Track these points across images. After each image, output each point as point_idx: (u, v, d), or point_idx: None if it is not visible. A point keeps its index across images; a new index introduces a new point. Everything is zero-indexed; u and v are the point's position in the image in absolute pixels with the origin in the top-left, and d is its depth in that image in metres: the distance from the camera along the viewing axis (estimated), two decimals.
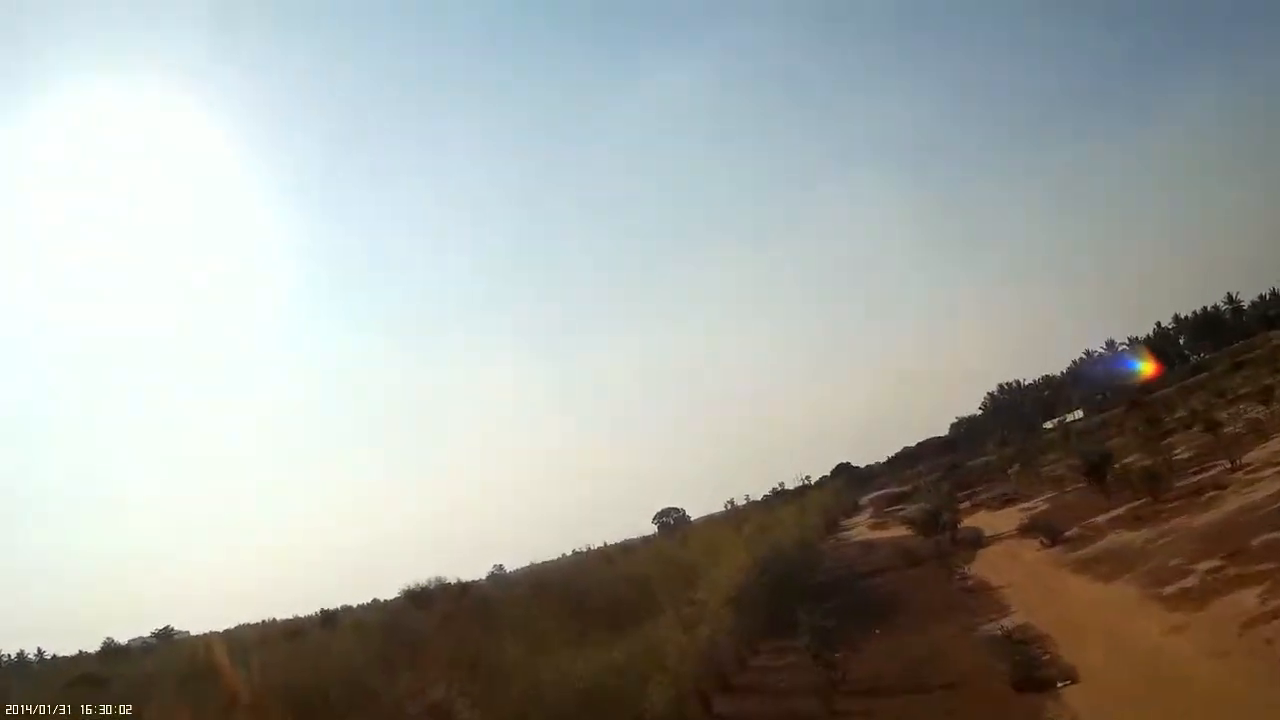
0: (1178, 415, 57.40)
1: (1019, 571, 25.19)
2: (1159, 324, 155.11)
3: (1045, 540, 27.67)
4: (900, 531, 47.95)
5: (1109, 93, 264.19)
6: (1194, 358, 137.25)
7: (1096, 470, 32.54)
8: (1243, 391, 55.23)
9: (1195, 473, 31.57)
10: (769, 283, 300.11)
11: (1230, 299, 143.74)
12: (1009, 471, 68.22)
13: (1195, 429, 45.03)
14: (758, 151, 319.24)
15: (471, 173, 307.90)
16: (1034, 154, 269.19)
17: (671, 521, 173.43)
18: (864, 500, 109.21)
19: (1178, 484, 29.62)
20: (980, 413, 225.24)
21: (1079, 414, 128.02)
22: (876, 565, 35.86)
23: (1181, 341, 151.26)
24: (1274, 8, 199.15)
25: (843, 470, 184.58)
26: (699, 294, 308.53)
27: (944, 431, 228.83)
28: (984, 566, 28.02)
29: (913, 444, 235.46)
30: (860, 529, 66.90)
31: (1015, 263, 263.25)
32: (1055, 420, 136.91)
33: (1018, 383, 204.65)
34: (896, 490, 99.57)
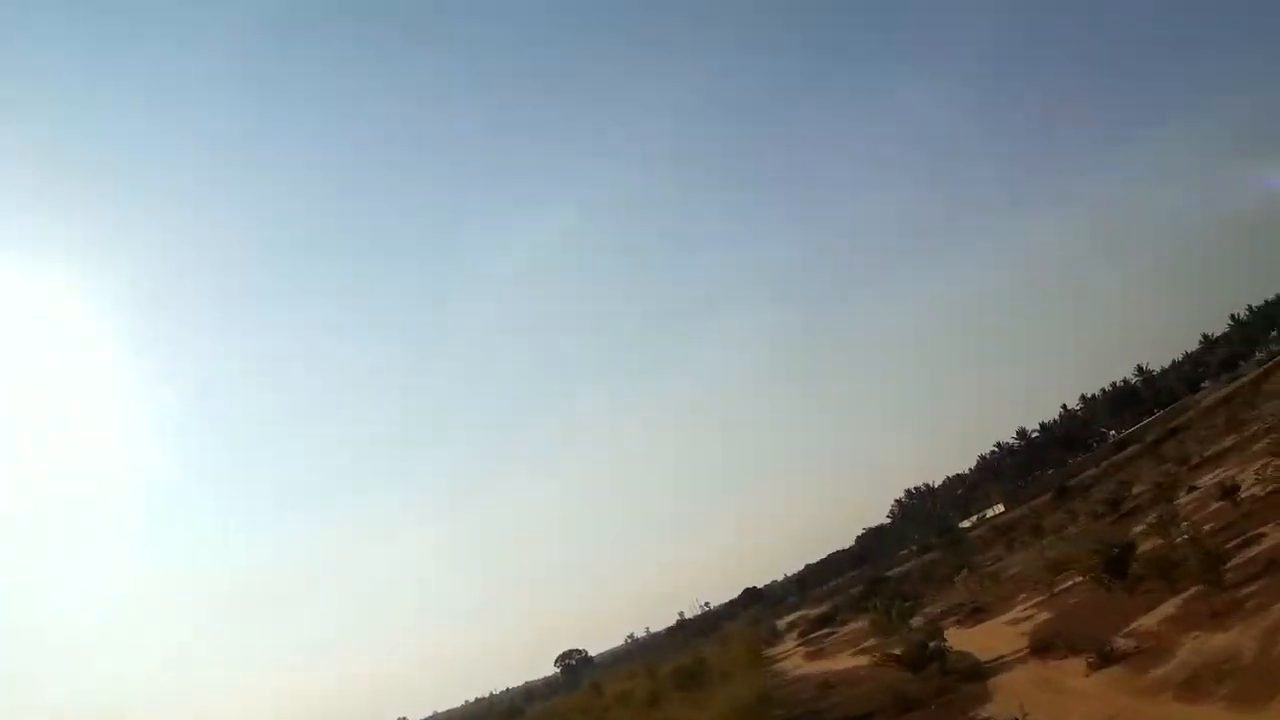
0: (1138, 491, 51.86)
1: (1084, 710, 17.46)
2: (1065, 406, 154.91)
3: (1092, 660, 20.13)
4: (851, 661, 40.41)
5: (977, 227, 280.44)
6: (1113, 434, 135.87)
7: (1118, 563, 25.42)
8: (1210, 453, 50.22)
9: (1239, 546, 24.96)
10: (660, 412, 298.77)
11: (1140, 370, 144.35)
12: (956, 579, 61.10)
13: (1178, 499, 39.17)
14: (629, 298, 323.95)
15: (352, 360, 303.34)
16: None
17: (574, 663, 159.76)
18: (782, 625, 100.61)
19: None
20: (889, 520, 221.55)
21: (999, 508, 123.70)
22: (854, 712, 27.45)
23: (1088, 421, 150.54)
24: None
25: (752, 596, 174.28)
26: (589, 437, 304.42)
27: (848, 543, 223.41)
28: (1015, 704, 20.23)
29: (816, 559, 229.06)
30: (794, 659, 58.42)
31: (911, 369, 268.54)
32: (975, 517, 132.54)
33: (928, 485, 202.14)
34: (817, 611, 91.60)
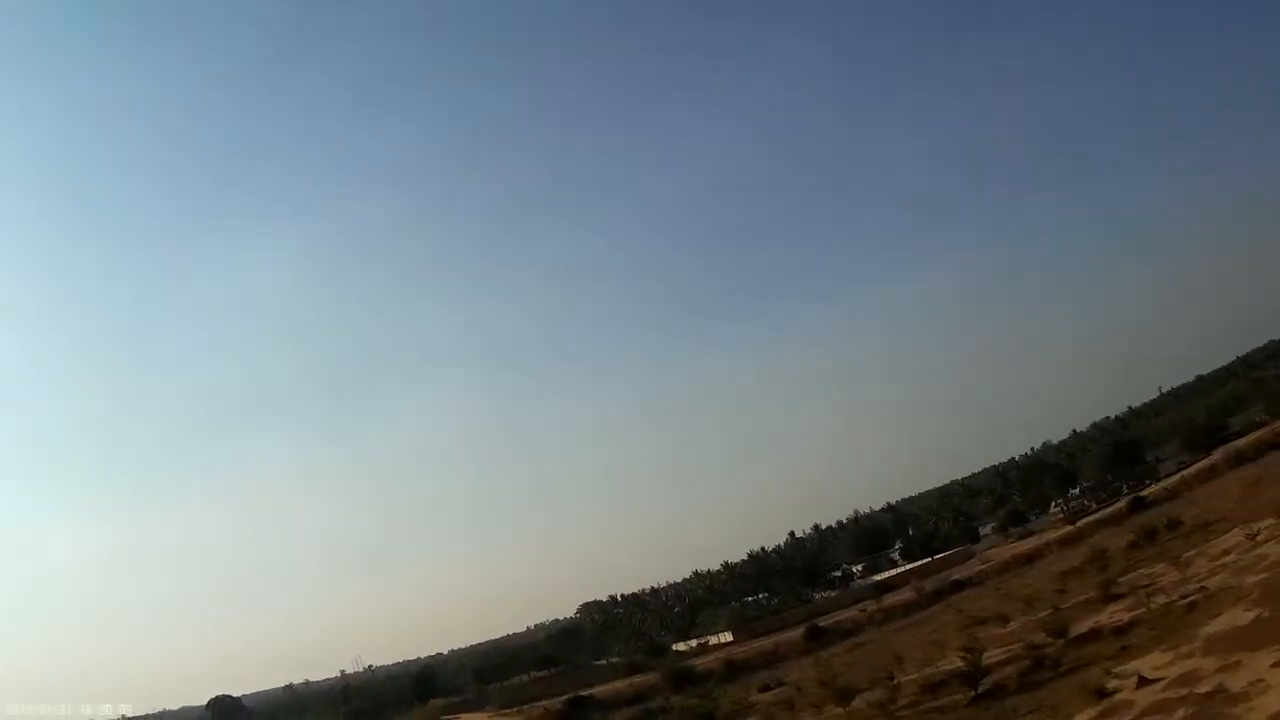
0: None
1: None
2: (794, 534, 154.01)
3: None
4: None
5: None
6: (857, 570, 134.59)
7: None
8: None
9: None
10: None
11: (890, 507, 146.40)
12: None
13: None
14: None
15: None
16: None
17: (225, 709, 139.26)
18: None
19: None
20: (582, 621, 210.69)
21: (727, 636, 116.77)
22: None
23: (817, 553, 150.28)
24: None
25: (423, 681, 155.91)
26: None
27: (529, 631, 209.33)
28: None
29: (495, 638, 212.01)
30: None
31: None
32: (695, 642, 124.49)
33: (637, 595, 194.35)
34: None
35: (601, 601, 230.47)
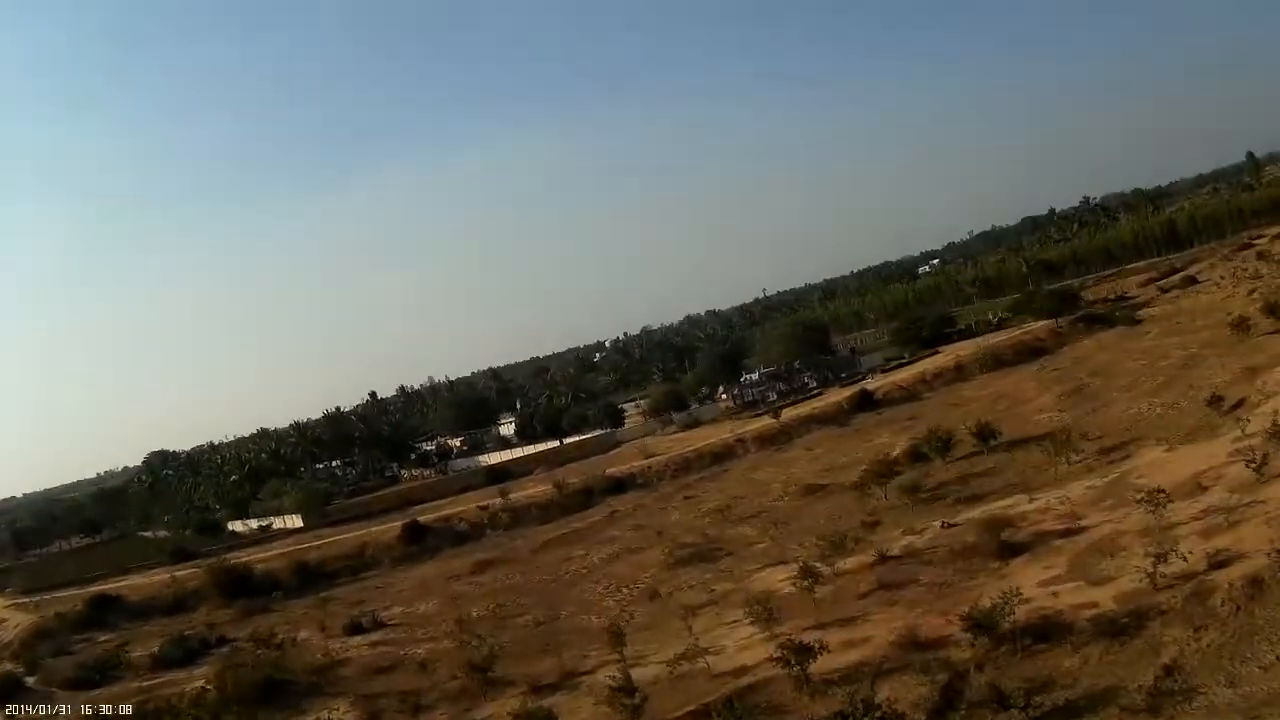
0: None
1: None
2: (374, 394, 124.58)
3: None
4: None
5: None
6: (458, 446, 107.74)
7: None
8: None
9: None
10: None
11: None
12: None
13: None
14: None
15: None
16: None
17: None
18: None
19: None
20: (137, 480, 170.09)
21: (299, 521, 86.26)
22: None
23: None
24: None
25: None
26: None
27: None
28: None
29: None
30: None
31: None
32: (256, 524, 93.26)
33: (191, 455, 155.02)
34: None
35: (169, 453, 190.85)
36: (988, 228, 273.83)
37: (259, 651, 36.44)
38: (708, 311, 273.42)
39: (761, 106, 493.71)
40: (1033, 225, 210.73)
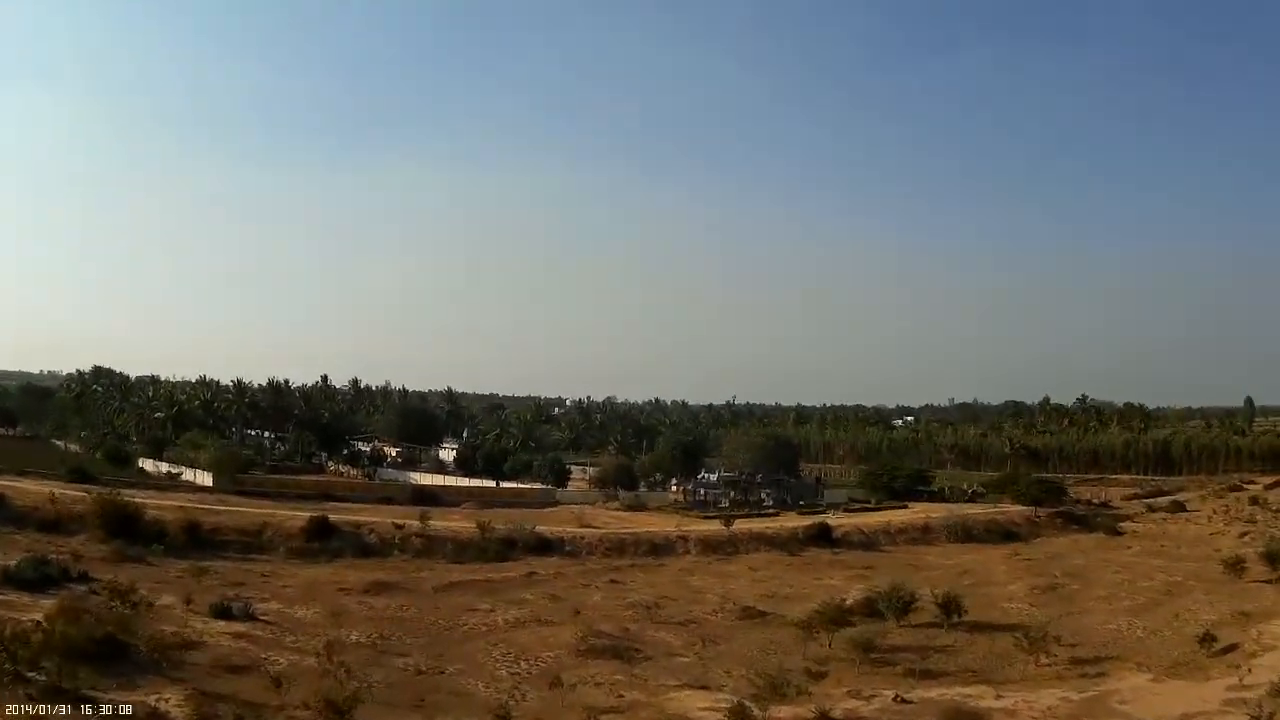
0: None
1: None
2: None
3: None
4: None
5: None
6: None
7: None
8: None
9: None
10: None
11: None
12: None
13: None
14: None
15: None
16: None
17: None
18: None
19: None
20: None
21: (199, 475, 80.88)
22: None
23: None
24: None
25: None
26: None
27: None
28: None
29: None
30: None
31: None
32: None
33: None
34: None
35: (115, 374, 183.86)
36: (970, 399, 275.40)
37: (112, 604, 31.54)
38: (674, 401, 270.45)
39: (780, 234, 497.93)
40: (1015, 409, 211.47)
